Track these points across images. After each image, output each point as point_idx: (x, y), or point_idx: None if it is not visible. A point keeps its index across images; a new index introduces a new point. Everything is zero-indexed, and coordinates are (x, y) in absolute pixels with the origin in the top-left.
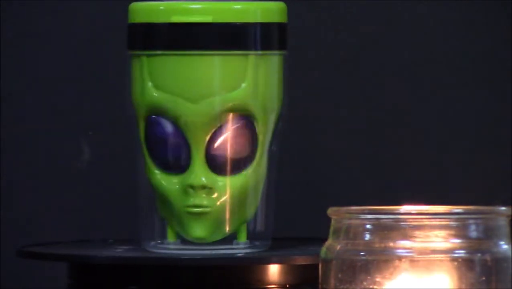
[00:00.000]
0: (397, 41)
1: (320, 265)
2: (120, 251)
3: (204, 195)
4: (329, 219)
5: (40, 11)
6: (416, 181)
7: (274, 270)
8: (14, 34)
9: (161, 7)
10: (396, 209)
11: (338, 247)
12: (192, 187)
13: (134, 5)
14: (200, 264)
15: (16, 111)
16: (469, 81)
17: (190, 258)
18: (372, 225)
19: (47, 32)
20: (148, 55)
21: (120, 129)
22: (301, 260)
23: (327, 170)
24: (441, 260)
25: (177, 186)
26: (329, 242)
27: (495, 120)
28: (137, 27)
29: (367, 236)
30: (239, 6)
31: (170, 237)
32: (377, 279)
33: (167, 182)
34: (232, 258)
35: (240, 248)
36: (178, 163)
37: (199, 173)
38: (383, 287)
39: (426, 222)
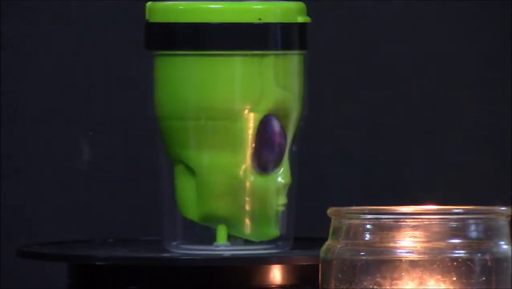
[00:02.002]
0: (397, 41)
1: (320, 265)
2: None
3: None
4: (329, 219)
5: (40, 11)
6: (416, 181)
7: (274, 270)
8: (14, 34)
9: (295, 6)
10: (396, 209)
11: (338, 247)
12: (285, 185)
13: (260, 4)
14: (200, 265)
15: (16, 111)
16: (469, 81)
17: (189, 258)
18: (372, 225)
19: (47, 32)
20: (277, 54)
21: (119, 129)
22: (301, 260)
23: (327, 170)
24: (441, 260)
25: (270, 185)
26: (329, 242)
27: (495, 120)
28: (268, 27)
29: (367, 236)
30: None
31: (221, 239)
32: (377, 279)
33: (265, 182)
34: (232, 259)
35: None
36: (277, 162)
37: (289, 171)
38: (383, 287)
39: (426, 222)
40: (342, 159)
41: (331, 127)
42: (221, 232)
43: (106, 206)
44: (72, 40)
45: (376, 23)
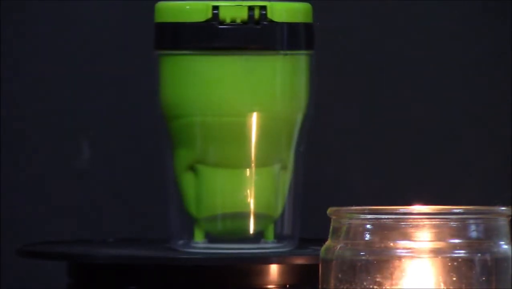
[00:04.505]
0: (397, 42)
1: (320, 265)
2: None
3: None
4: (329, 219)
5: (41, 11)
6: (416, 181)
7: (274, 270)
8: (14, 35)
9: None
10: (396, 209)
11: (338, 247)
12: None
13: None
14: (199, 264)
15: (16, 111)
16: (469, 81)
17: (189, 258)
18: (372, 225)
19: (47, 32)
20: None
21: (119, 129)
22: (301, 260)
23: (328, 170)
24: (441, 260)
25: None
26: (329, 242)
27: (495, 120)
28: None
29: (367, 236)
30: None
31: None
32: (377, 279)
33: None
34: (232, 258)
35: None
36: None
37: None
38: (383, 287)
39: (426, 222)
40: (343, 159)
41: (330, 127)
42: (270, 230)
43: (106, 206)
44: (76, 40)
45: (377, 23)
